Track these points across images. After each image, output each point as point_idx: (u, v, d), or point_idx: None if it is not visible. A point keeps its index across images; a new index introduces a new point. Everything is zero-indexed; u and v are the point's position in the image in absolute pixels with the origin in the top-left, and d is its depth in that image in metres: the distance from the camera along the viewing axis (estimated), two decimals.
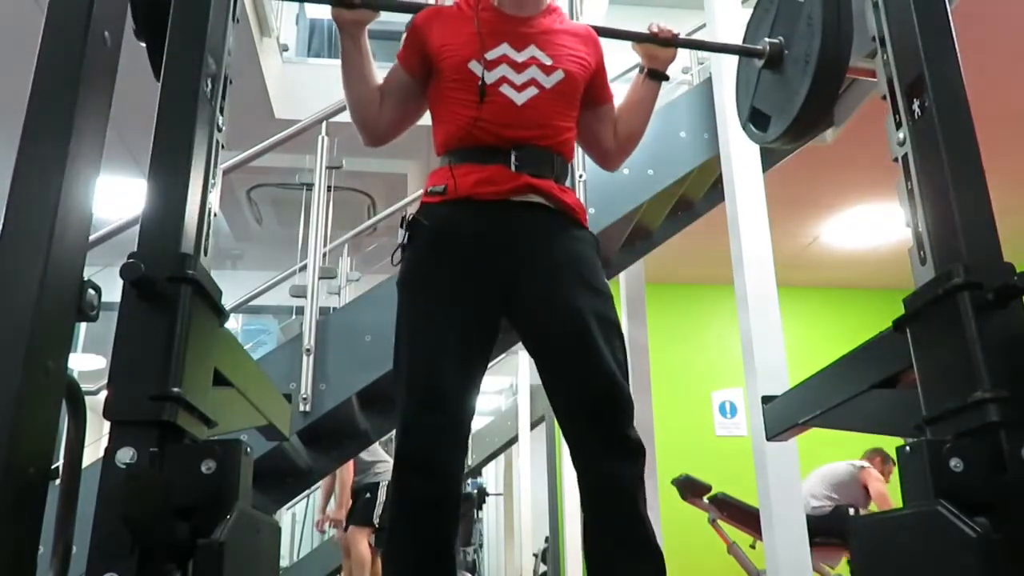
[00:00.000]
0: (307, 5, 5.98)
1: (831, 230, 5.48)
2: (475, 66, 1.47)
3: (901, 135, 1.08)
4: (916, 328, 1.01)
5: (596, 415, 1.36)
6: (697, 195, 3.64)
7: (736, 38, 3.10)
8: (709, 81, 3.19)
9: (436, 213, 1.46)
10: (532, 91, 1.48)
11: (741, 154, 2.93)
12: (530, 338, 1.45)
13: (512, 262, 1.42)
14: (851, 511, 4.15)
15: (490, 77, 1.46)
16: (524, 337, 1.47)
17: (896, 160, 1.10)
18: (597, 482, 1.37)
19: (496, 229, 1.43)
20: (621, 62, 4.05)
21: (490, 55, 1.48)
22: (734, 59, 3.05)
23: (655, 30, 1.60)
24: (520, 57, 1.50)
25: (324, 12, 5.98)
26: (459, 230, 1.43)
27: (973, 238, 0.96)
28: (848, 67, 1.42)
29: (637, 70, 1.67)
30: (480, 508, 7.40)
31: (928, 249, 1.01)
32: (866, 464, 4.40)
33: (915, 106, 1.05)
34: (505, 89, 1.46)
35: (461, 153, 1.48)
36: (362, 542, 4.56)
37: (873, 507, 4.28)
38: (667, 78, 1.66)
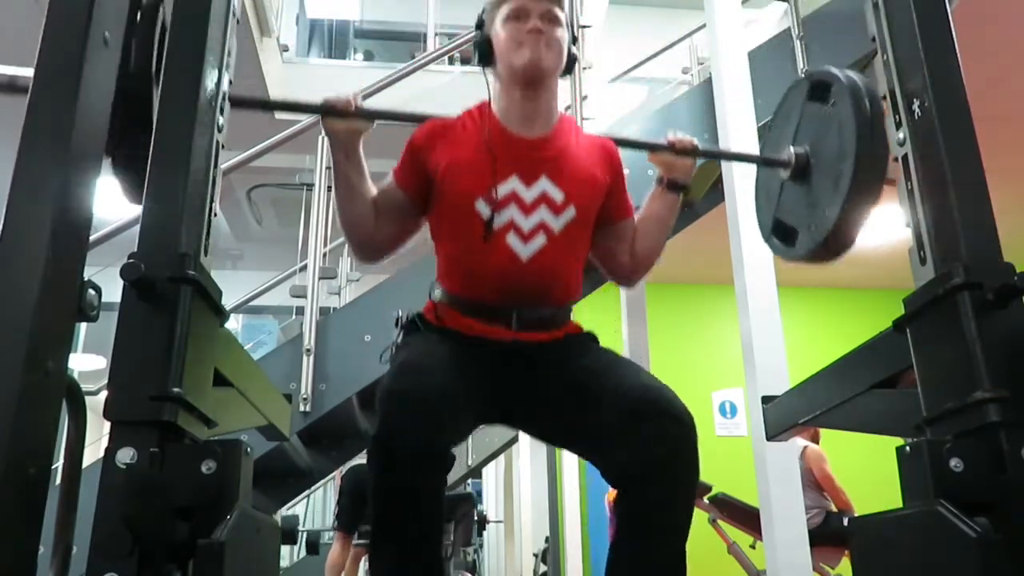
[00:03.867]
0: (307, 5, 5.99)
1: None
2: (482, 207, 1.36)
3: (901, 135, 1.08)
4: (916, 328, 1.01)
5: (641, 415, 1.24)
6: (697, 195, 3.64)
7: (736, 39, 3.11)
8: (709, 81, 3.19)
9: (435, 328, 1.40)
10: (540, 240, 1.36)
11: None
12: (547, 416, 1.37)
13: (511, 388, 1.35)
14: (844, 519, 4.15)
15: (497, 221, 1.35)
16: (541, 425, 1.41)
17: (896, 160, 1.10)
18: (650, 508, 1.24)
19: (493, 362, 1.35)
20: (621, 62, 4.06)
21: (499, 191, 1.36)
22: (734, 60, 3.06)
23: (672, 140, 1.48)
24: (529, 194, 1.38)
25: (324, 12, 6.00)
26: (460, 349, 1.33)
27: (973, 238, 0.96)
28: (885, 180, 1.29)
29: (655, 182, 1.53)
30: (480, 535, 7.37)
31: (928, 249, 1.01)
32: (808, 443, 4.32)
33: (915, 106, 1.05)
34: (511, 240, 1.35)
35: (460, 302, 1.39)
36: (336, 547, 4.56)
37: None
38: (687, 190, 1.53)
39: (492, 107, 1.45)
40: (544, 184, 1.39)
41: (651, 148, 1.51)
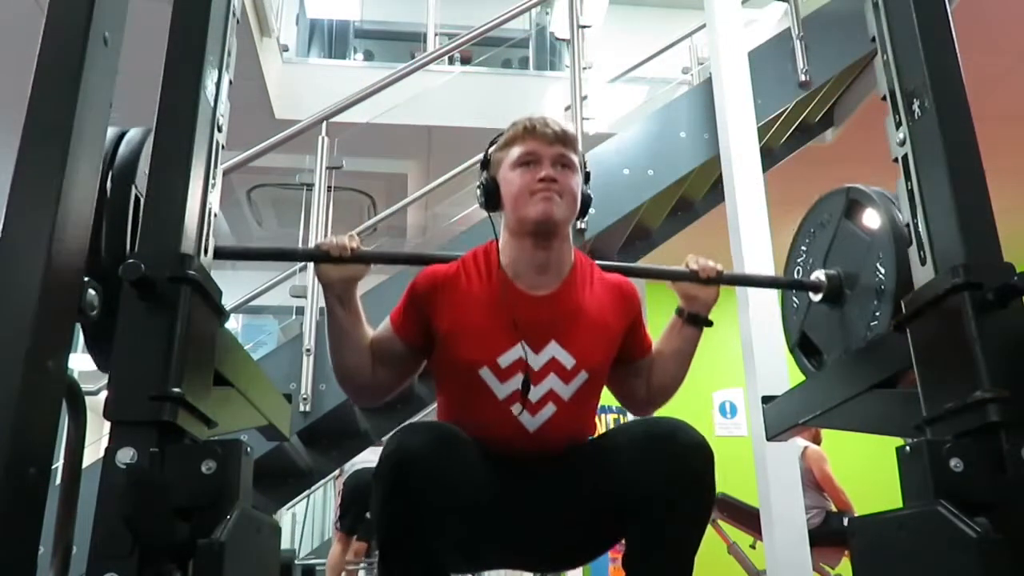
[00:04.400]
0: (307, 5, 5.98)
1: None
2: (487, 375, 1.28)
3: (901, 135, 1.08)
4: (916, 328, 1.01)
5: (654, 443, 1.18)
6: (697, 195, 3.64)
7: (736, 39, 3.11)
8: (709, 81, 3.19)
9: None
10: (549, 410, 1.29)
11: (741, 154, 2.93)
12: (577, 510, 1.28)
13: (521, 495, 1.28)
14: (844, 519, 4.14)
15: (502, 391, 1.28)
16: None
17: (896, 160, 1.10)
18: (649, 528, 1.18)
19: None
20: (621, 62, 4.06)
21: (504, 360, 1.28)
22: (734, 60, 3.06)
23: (695, 267, 1.36)
24: (538, 362, 1.29)
25: (324, 12, 6.00)
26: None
27: (973, 238, 0.96)
28: None
29: (675, 313, 1.42)
30: None
31: (928, 249, 1.01)
32: (808, 444, 4.32)
33: (915, 106, 1.05)
34: (518, 412, 1.28)
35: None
36: (336, 548, 4.55)
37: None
38: (710, 323, 1.40)
39: (499, 254, 1.36)
40: (554, 349, 1.30)
41: (672, 277, 1.39)
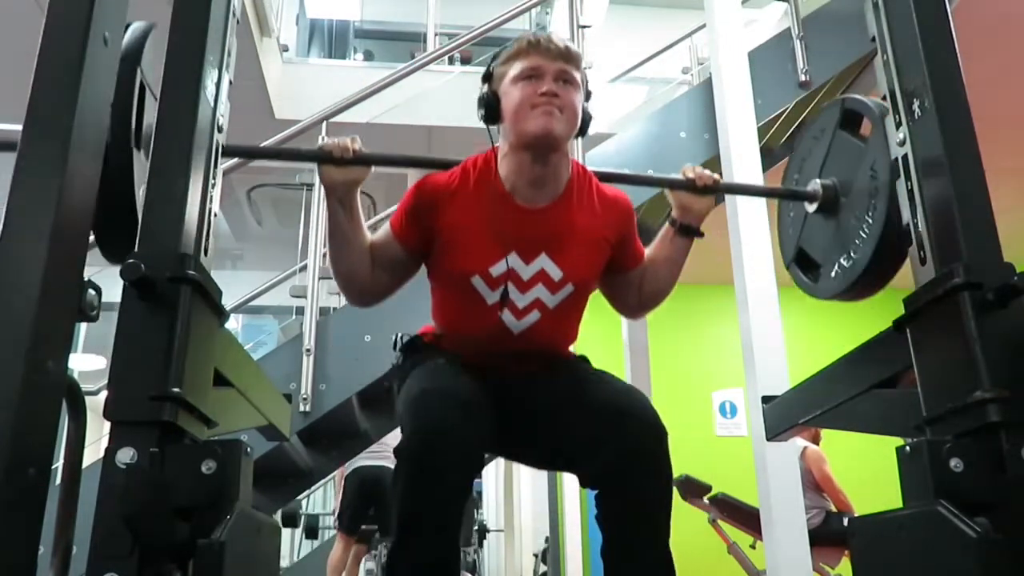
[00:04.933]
0: (307, 5, 5.99)
1: None
2: (478, 283, 1.34)
3: (901, 135, 1.08)
4: (916, 328, 1.01)
5: (616, 423, 1.25)
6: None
7: (736, 39, 3.11)
8: (709, 81, 3.19)
9: (433, 350, 1.41)
10: (534, 316, 1.36)
11: (741, 154, 2.93)
12: (528, 437, 1.38)
13: (507, 407, 1.34)
14: (844, 519, 4.15)
15: (492, 297, 1.34)
16: (529, 451, 1.44)
17: (896, 160, 1.10)
18: (628, 509, 1.25)
19: (490, 379, 1.35)
20: (621, 62, 4.06)
21: (495, 270, 1.33)
22: (734, 60, 3.06)
23: (691, 176, 1.39)
24: (527, 272, 1.35)
25: (324, 12, 6.00)
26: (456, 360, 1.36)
27: (973, 238, 0.96)
28: None
29: (668, 223, 1.46)
30: (480, 546, 7.37)
31: (928, 249, 1.01)
32: (807, 444, 4.32)
33: (915, 106, 1.05)
34: (505, 315, 1.35)
35: (454, 340, 1.42)
36: (338, 547, 4.55)
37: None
38: (701, 234, 1.44)
39: (498, 167, 1.38)
40: (543, 262, 1.35)
41: (669, 185, 1.43)
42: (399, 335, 1.45)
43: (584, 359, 1.47)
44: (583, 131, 1.39)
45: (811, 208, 1.40)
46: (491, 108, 1.37)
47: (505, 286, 1.34)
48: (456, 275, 1.35)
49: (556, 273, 1.35)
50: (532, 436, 1.38)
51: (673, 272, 1.46)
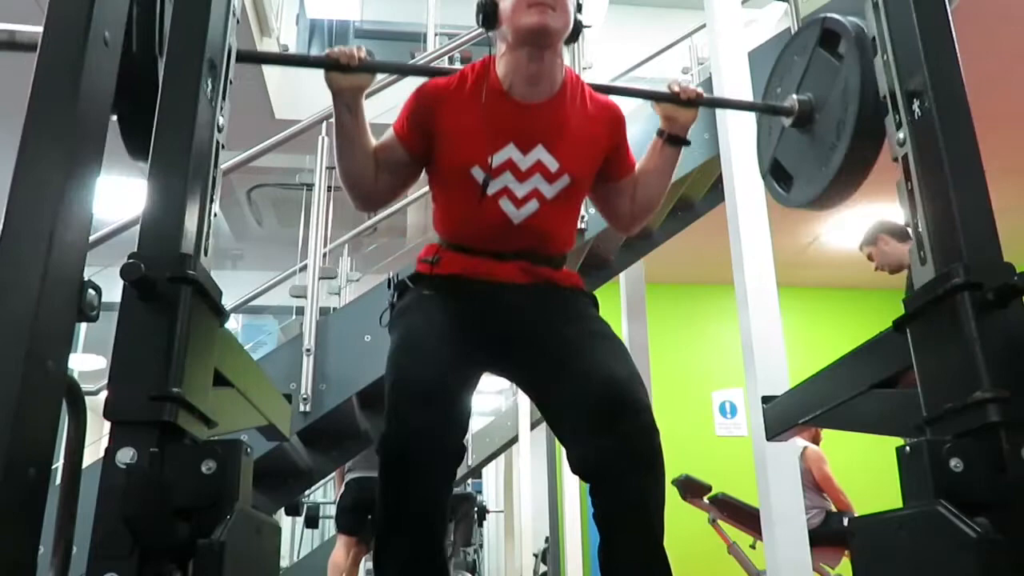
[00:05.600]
0: (307, 5, 5.98)
1: (831, 230, 5.48)
2: (477, 172, 1.40)
3: (901, 135, 1.08)
4: (916, 328, 1.01)
5: (608, 415, 1.28)
6: (697, 195, 3.64)
7: (736, 38, 3.11)
8: (709, 81, 3.19)
9: (426, 280, 1.45)
10: (532, 205, 1.42)
11: (741, 154, 2.93)
12: (526, 372, 1.44)
13: (504, 327, 1.41)
14: (844, 519, 4.15)
15: (492, 187, 1.40)
16: (522, 378, 1.47)
17: (896, 160, 1.10)
18: (621, 497, 1.29)
19: (488, 305, 1.41)
20: (621, 62, 4.06)
21: (493, 160, 1.40)
22: (734, 61, 3.06)
23: (676, 89, 1.47)
24: (525, 163, 1.41)
25: (324, 12, 6.00)
26: (450, 296, 1.41)
27: (973, 238, 0.96)
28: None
29: (656, 135, 1.54)
30: (480, 525, 7.40)
31: (928, 249, 1.01)
32: (807, 444, 4.33)
33: (915, 106, 1.05)
34: (504, 204, 1.41)
35: (456, 246, 1.46)
36: (339, 548, 4.56)
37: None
38: (687, 143, 1.54)
39: (496, 67, 1.44)
40: (540, 153, 1.42)
41: (655, 98, 1.51)
42: (394, 274, 1.50)
43: (593, 299, 1.50)
44: (575, 36, 1.45)
45: (787, 122, 1.48)
46: (489, 14, 1.43)
47: (486, 177, 1.40)
48: (456, 168, 1.42)
49: (553, 164, 1.42)
50: (524, 369, 1.44)
51: (663, 181, 1.55)
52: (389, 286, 1.50)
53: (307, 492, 6.81)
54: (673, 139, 1.52)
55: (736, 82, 3.02)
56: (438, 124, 1.43)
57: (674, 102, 1.47)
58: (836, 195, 1.37)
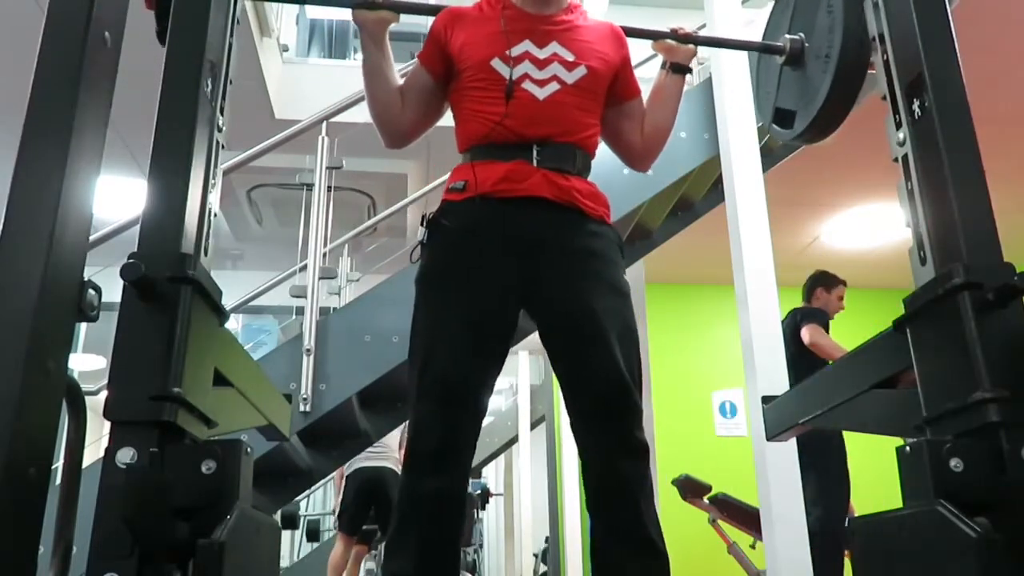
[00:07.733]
0: (307, 5, 5.98)
1: (831, 230, 5.48)
2: (498, 64, 1.48)
3: (901, 135, 1.08)
4: (916, 328, 1.01)
5: (605, 416, 1.38)
6: (697, 195, 3.64)
7: (736, 37, 3.10)
8: (709, 81, 3.19)
9: (456, 211, 1.47)
10: (554, 87, 1.49)
11: (741, 154, 2.93)
12: (548, 335, 1.47)
13: (532, 260, 1.43)
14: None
15: (513, 74, 1.47)
16: (542, 333, 1.49)
17: (896, 160, 1.09)
18: (600, 482, 1.38)
19: (516, 227, 1.44)
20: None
21: (512, 51, 1.49)
22: (735, 60, 3.06)
23: (675, 28, 1.63)
24: (542, 54, 1.51)
25: (324, 12, 5.99)
26: (478, 228, 1.44)
27: (973, 238, 0.96)
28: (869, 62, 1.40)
29: (660, 67, 1.67)
30: (483, 508, 7.43)
31: (928, 249, 1.01)
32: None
33: (915, 106, 1.05)
34: (527, 85, 1.48)
35: (483, 150, 1.49)
36: (339, 548, 4.55)
37: None
38: (690, 70, 1.66)
39: None
40: (555, 47, 1.52)
41: (654, 36, 1.63)
42: (428, 214, 1.52)
43: (618, 239, 1.54)
44: None
45: (780, 61, 1.57)
46: None
47: (523, 63, 1.49)
48: (477, 64, 1.50)
49: (568, 55, 1.52)
50: (543, 322, 1.48)
51: (670, 108, 1.65)
52: (422, 223, 1.54)
53: (306, 504, 6.81)
54: (676, 67, 1.64)
55: (736, 82, 3.02)
56: (457, 38, 1.53)
57: (671, 39, 1.61)
58: (827, 121, 1.47)
